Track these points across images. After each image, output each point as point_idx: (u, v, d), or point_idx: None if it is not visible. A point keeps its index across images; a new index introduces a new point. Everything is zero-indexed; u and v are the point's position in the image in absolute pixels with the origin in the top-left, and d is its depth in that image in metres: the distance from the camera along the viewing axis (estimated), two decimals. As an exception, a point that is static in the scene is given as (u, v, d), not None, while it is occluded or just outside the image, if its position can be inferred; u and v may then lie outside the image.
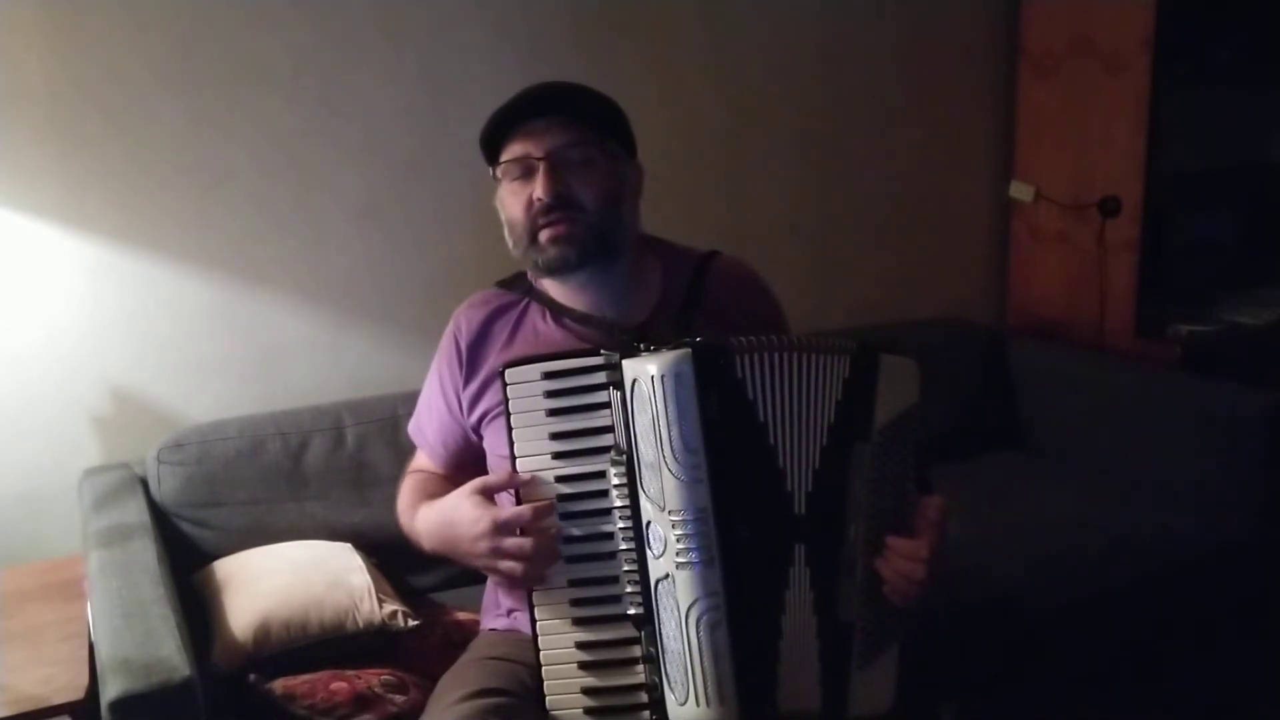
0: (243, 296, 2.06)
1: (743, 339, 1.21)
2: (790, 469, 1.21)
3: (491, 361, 1.45)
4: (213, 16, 1.96)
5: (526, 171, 1.37)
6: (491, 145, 1.41)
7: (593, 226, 1.37)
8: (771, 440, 1.20)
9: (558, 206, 1.35)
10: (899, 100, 2.63)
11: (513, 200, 1.39)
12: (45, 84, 1.87)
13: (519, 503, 1.27)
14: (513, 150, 1.38)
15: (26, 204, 1.88)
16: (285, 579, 1.68)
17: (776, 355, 1.21)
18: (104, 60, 1.90)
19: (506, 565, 1.26)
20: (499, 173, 1.41)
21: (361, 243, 2.15)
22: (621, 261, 1.42)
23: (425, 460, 1.58)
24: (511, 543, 1.25)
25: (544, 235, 1.37)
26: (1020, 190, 2.73)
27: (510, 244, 1.43)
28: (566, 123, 1.36)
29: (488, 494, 1.30)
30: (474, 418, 1.47)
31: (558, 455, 1.26)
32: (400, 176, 2.16)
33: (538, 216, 1.37)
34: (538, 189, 1.35)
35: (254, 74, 2.01)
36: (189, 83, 1.96)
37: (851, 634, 1.22)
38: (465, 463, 1.52)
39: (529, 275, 1.48)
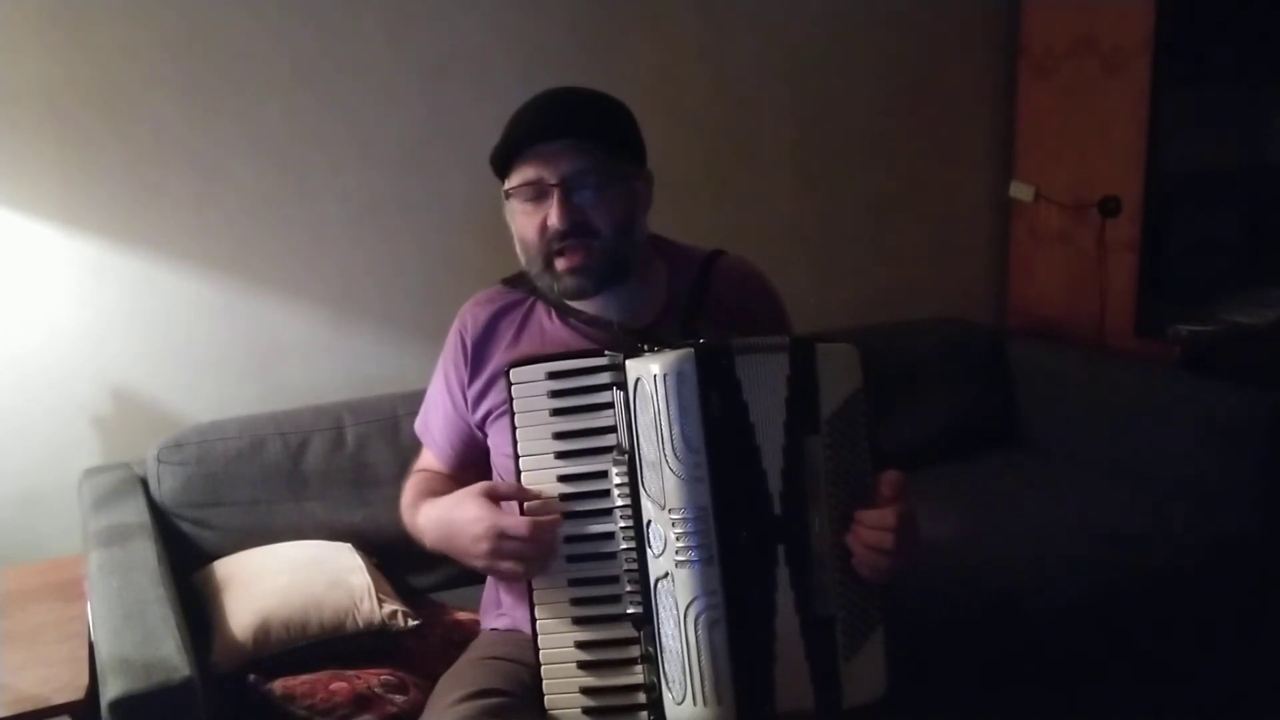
0: (242, 296, 2.06)
1: (742, 340, 1.22)
2: (769, 470, 1.21)
3: (497, 359, 1.45)
4: (211, 18, 1.96)
5: (539, 195, 1.35)
6: (502, 159, 1.40)
7: (608, 253, 1.36)
8: (756, 441, 1.21)
9: (573, 234, 1.34)
10: (899, 100, 2.63)
11: (525, 221, 1.38)
12: (44, 85, 1.87)
13: (522, 509, 1.27)
14: (525, 173, 1.36)
15: (26, 204, 1.88)
16: (285, 579, 1.68)
17: (755, 355, 1.21)
18: (103, 61, 1.90)
19: (505, 566, 1.27)
20: (510, 191, 1.40)
21: (361, 242, 2.15)
22: (633, 276, 1.43)
23: (431, 459, 1.58)
24: (510, 545, 1.25)
25: (560, 264, 1.36)
26: (1020, 190, 2.73)
27: (523, 261, 1.42)
28: (579, 146, 1.34)
29: (494, 498, 1.30)
30: (479, 415, 1.47)
31: (561, 455, 1.27)
32: (399, 176, 2.16)
33: (552, 242, 1.36)
34: (552, 216, 1.34)
35: (252, 75, 2.01)
36: (188, 83, 1.97)
37: (834, 627, 1.22)
38: (470, 461, 1.52)
39: None
